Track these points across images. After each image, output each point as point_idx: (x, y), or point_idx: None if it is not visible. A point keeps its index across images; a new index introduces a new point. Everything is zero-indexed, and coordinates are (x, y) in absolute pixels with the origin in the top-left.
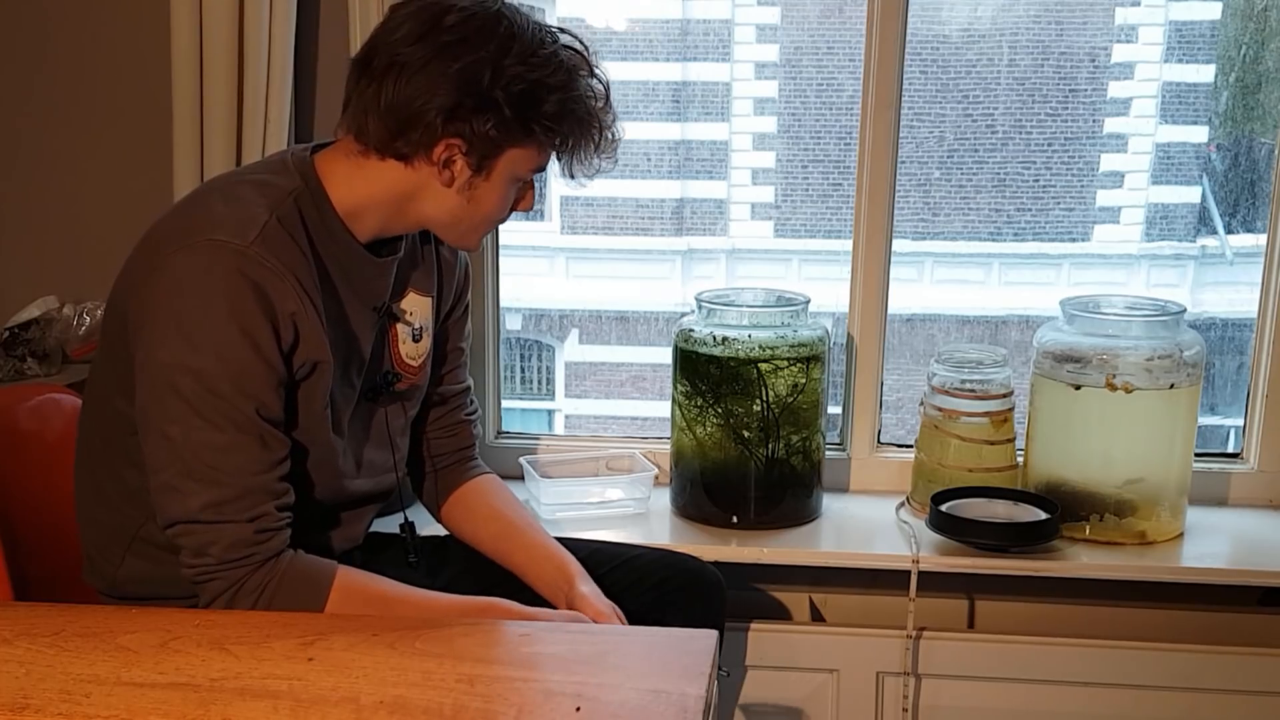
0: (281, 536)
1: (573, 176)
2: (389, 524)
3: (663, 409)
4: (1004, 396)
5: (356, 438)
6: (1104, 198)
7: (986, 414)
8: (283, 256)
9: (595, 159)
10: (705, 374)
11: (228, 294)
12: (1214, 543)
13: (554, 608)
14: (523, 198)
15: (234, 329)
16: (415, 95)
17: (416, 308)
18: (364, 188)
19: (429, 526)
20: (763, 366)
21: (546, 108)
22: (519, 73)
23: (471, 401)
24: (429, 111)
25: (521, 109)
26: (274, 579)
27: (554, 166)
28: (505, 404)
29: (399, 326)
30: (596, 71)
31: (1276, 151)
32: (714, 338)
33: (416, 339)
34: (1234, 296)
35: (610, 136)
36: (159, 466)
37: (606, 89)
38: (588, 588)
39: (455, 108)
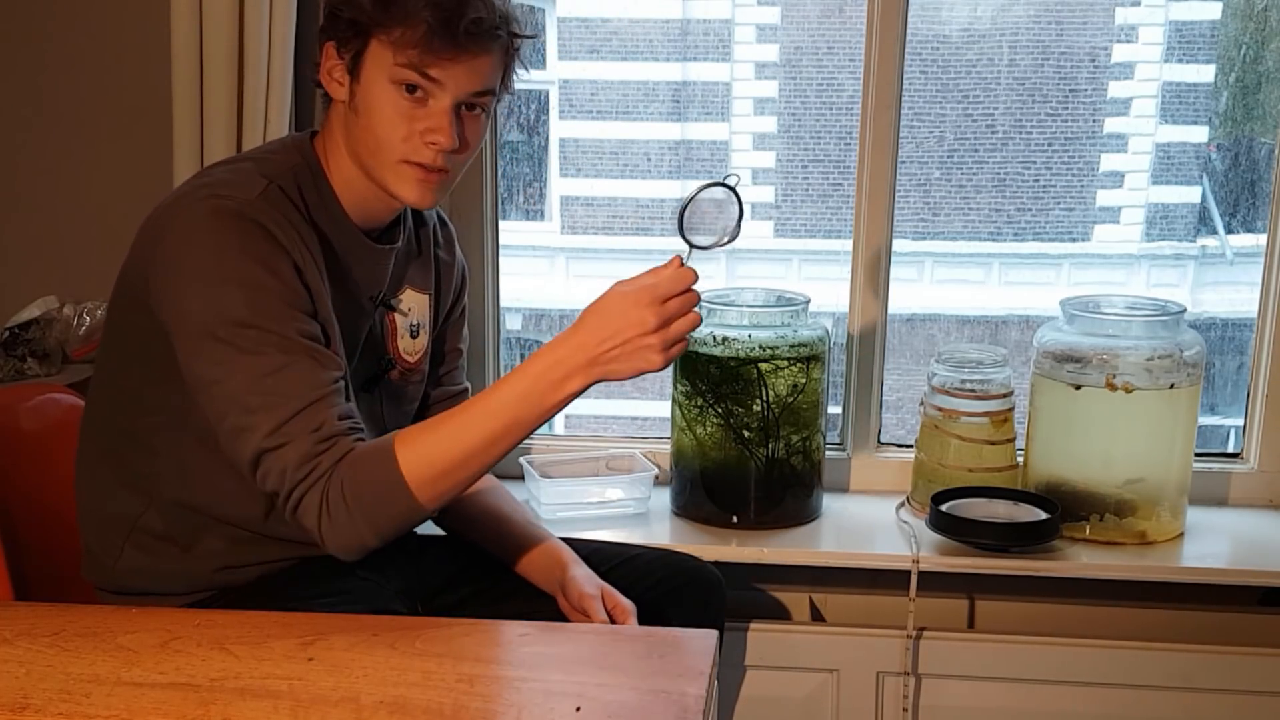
0: (344, 442)
1: (434, 55)
2: None
3: (663, 409)
4: (1004, 396)
5: None
6: (1104, 198)
7: (986, 414)
8: (286, 215)
9: (457, 31)
10: (705, 374)
11: (238, 233)
12: (1214, 543)
13: (550, 597)
14: (435, 125)
15: (250, 261)
16: None
17: (414, 303)
18: (336, 149)
19: (428, 527)
20: (763, 366)
21: None
22: None
23: None
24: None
25: None
26: (346, 481)
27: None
28: None
29: (396, 317)
30: None
31: (1276, 151)
32: (714, 337)
33: (414, 335)
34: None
35: (460, 8)
36: (221, 415)
37: None
38: (580, 570)
39: (327, 16)
